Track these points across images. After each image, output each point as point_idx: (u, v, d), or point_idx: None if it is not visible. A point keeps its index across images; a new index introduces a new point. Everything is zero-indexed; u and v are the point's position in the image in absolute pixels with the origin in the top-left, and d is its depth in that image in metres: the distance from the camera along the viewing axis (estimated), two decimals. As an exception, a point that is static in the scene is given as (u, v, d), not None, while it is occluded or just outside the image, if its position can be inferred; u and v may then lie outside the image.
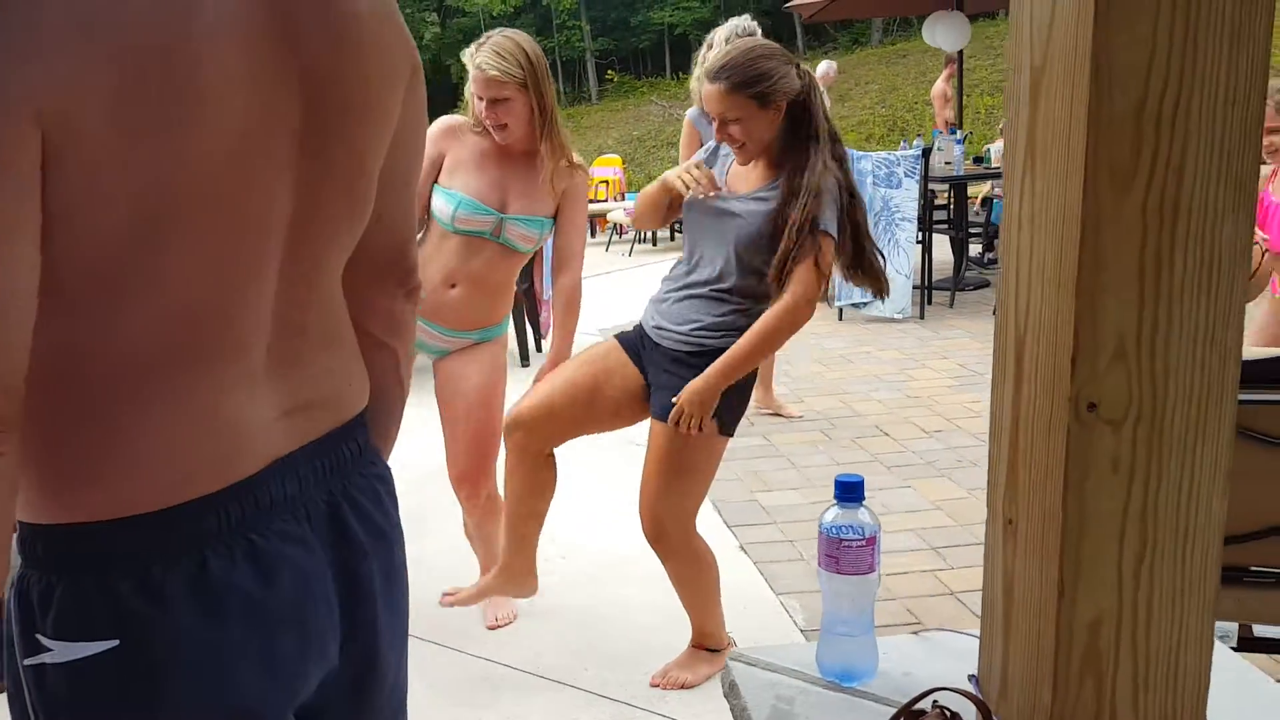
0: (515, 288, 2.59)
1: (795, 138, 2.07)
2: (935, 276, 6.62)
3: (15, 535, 0.74)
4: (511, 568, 2.38)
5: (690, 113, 3.89)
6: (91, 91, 0.63)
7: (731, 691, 1.14)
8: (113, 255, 0.69)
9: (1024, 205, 0.90)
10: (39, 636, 0.73)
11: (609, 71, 25.56)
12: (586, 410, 2.24)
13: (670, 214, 2.29)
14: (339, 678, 0.89)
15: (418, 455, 3.81)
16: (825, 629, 1.12)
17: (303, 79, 0.76)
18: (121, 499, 0.72)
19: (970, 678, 1.05)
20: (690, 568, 2.26)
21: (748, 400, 2.21)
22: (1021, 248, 0.91)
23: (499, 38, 2.35)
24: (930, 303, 6.41)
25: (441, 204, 2.39)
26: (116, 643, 0.73)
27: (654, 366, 2.20)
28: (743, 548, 3.13)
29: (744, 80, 2.04)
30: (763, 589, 2.87)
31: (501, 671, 2.45)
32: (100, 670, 0.73)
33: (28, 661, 0.74)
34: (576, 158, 2.44)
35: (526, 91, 2.30)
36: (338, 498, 0.87)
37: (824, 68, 8.32)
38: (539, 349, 5.67)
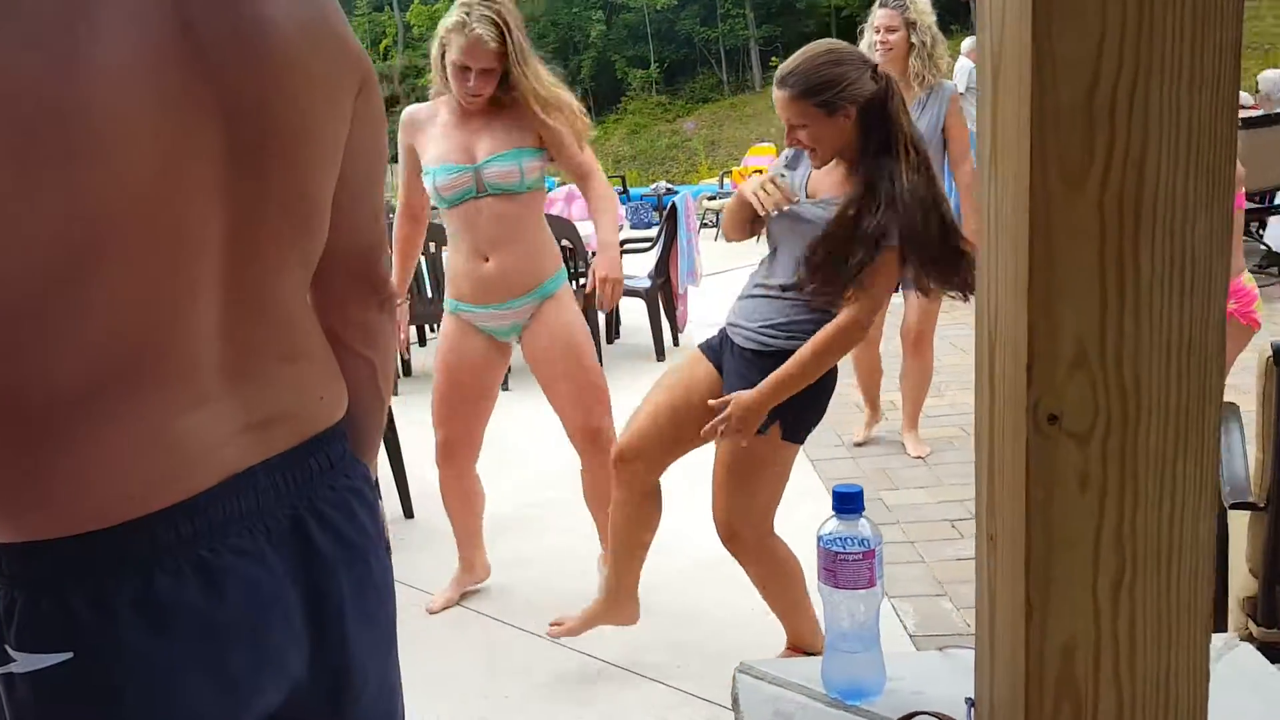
0: (547, 236, 2.62)
1: (871, 143, 2.00)
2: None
3: None
4: (614, 597, 2.42)
5: None
6: None
7: (734, 704, 1.12)
8: (36, 293, 0.72)
9: (990, 206, 0.85)
10: (5, 647, 0.78)
11: (773, 59, 25.26)
12: (677, 432, 2.24)
13: (756, 226, 2.26)
14: (311, 688, 0.91)
15: (534, 457, 3.92)
16: (829, 645, 1.09)
17: (222, 105, 0.77)
18: (68, 518, 0.76)
19: (967, 700, 1.00)
20: (767, 570, 2.24)
21: (820, 409, 2.16)
22: (990, 251, 0.86)
23: (481, 8, 2.39)
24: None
25: (428, 184, 2.51)
26: (71, 655, 0.76)
27: (727, 368, 2.18)
28: (859, 547, 3.06)
29: (808, 89, 1.99)
30: (875, 590, 2.79)
31: (600, 667, 2.48)
32: (59, 681, 0.77)
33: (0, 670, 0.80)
34: (551, 89, 2.47)
35: (506, 57, 2.39)
36: (302, 512, 0.89)
37: (969, 43, 8.01)
38: (675, 343, 5.69)
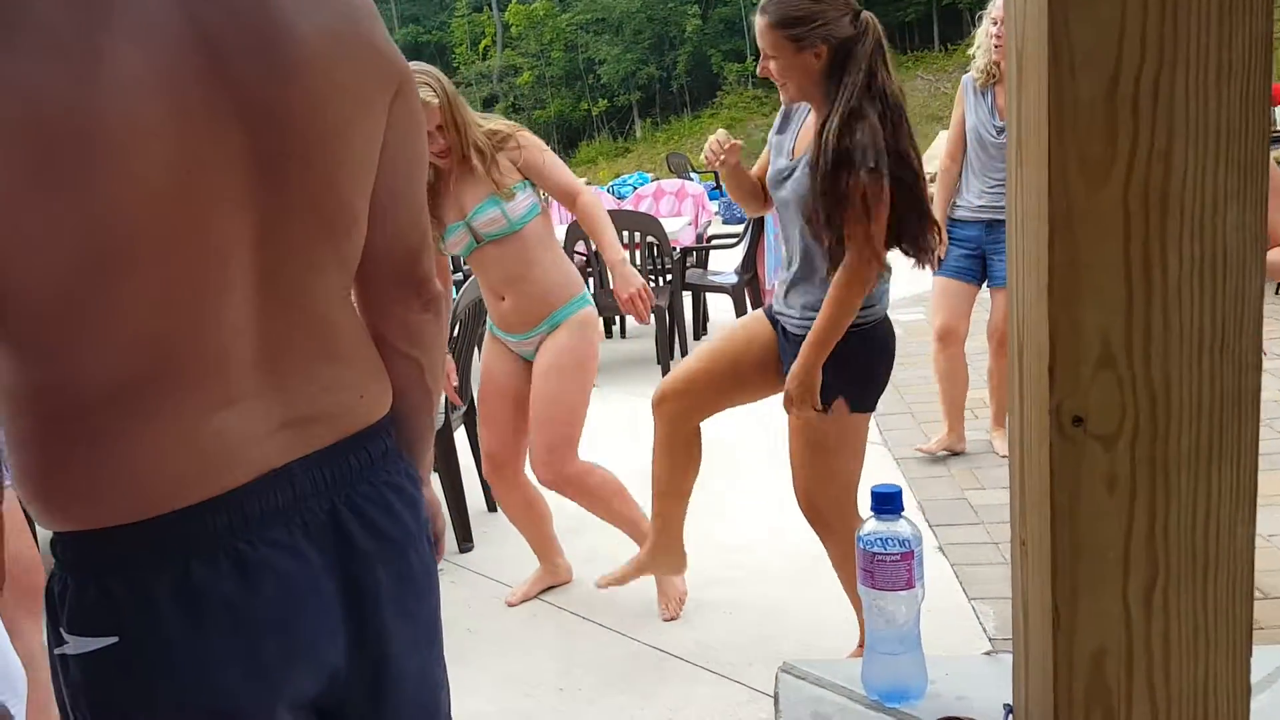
0: (555, 265, 2.66)
1: (844, 89, 1.96)
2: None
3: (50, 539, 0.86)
4: (658, 545, 2.41)
5: (965, 78, 3.74)
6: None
7: (775, 703, 1.12)
8: (66, 295, 0.75)
9: (1017, 203, 0.83)
10: (61, 630, 0.83)
11: (872, 49, 24.81)
12: (731, 379, 2.26)
13: (765, 198, 2.28)
14: (353, 678, 0.94)
15: (613, 454, 3.92)
16: (869, 647, 1.08)
17: (241, 113, 0.79)
18: (109, 510, 0.81)
19: (1005, 706, 0.98)
20: (848, 548, 2.21)
21: (879, 375, 2.13)
22: (1017, 249, 0.84)
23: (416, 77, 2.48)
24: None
25: (443, 246, 2.64)
26: (116, 639, 0.81)
27: (782, 350, 2.19)
28: (941, 548, 3.00)
29: (780, 20, 1.98)
30: (956, 592, 2.74)
31: (670, 661, 2.49)
32: (106, 663, 0.82)
33: (56, 651, 0.84)
34: (505, 125, 2.58)
35: (447, 112, 2.49)
36: (340, 507, 0.91)
37: None
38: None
